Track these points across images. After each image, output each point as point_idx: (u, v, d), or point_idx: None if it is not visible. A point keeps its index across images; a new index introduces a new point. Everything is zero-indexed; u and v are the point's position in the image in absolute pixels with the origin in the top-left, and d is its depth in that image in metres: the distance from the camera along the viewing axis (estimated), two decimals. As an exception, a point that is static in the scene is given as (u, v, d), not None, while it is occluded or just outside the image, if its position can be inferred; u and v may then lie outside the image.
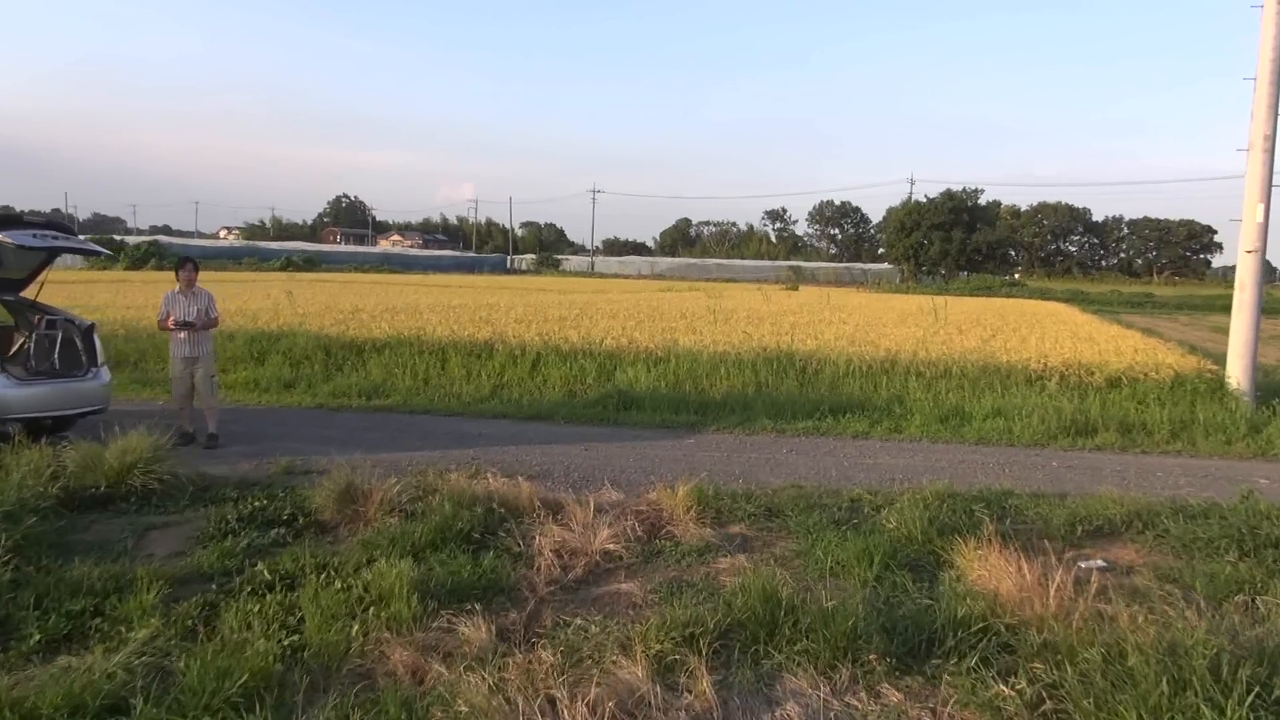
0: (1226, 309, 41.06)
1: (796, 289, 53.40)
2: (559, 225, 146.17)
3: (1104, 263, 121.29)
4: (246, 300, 19.38)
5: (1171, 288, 74.72)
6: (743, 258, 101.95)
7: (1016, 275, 75.26)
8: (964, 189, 72.00)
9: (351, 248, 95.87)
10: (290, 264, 65.89)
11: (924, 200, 71.95)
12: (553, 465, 7.22)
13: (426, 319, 15.16)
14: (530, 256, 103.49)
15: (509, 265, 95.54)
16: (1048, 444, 8.66)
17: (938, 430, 9.00)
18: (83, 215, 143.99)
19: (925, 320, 19.84)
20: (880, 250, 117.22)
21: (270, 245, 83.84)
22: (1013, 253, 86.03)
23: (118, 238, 68.70)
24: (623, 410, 9.72)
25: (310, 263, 69.59)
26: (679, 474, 6.41)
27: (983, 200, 72.80)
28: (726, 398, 10.14)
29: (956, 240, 68.41)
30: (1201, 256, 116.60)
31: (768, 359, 11.18)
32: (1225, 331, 27.39)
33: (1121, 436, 8.84)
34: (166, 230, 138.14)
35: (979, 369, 10.73)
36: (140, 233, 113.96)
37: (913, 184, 78.78)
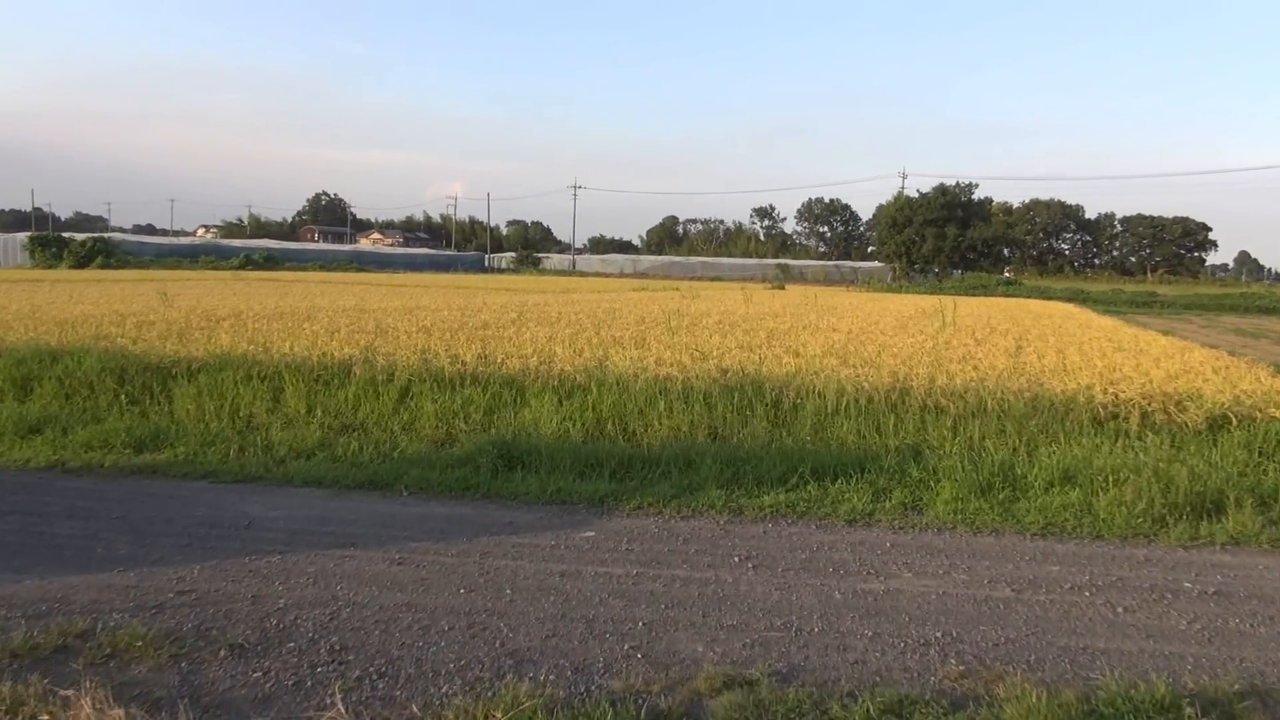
0: (1236, 309, 38.63)
1: (783, 288, 50.31)
2: (545, 224, 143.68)
3: (1096, 261, 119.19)
4: (102, 303, 16.02)
5: (1171, 286, 71.96)
6: (730, 256, 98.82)
7: (1008, 273, 72.40)
8: (957, 183, 69.16)
9: (321, 245, 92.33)
10: (249, 262, 62.45)
11: (916, 195, 69.01)
12: (295, 619, 3.98)
13: (295, 328, 11.89)
14: (510, 255, 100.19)
15: (487, 264, 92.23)
16: (1155, 534, 5.47)
17: (978, 509, 5.80)
18: (64, 214, 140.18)
19: (930, 325, 16.69)
20: (870, 248, 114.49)
21: (233, 243, 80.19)
22: (1005, 250, 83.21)
23: (70, 235, 64.85)
24: (505, 472, 6.50)
25: (272, 260, 66.12)
26: (534, 636, 3.26)
27: (977, 195, 69.92)
28: (664, 449, 6.92)
29: (950, 237, 65.52)
30: (1196, 254, 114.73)
31: (727, 388, 7.95)
32: (1249, 334, 24.40)
33: (1261, 516, 5.68)
34: (150, 229, 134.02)
35: (1026, 402, 7.54)
36: (124, 231, 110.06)
37: (904, 178, 75.51)
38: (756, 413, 7.63)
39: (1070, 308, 32.79)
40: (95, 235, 62.04)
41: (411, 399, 8.10)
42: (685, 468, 6.59)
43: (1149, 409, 7.46)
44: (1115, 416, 7.48)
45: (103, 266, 54.96)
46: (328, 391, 8.29)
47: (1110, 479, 6.06)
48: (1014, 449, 6.97)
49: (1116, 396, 7.72)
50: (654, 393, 7.88)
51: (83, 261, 56.37)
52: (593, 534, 5.34)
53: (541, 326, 13.46)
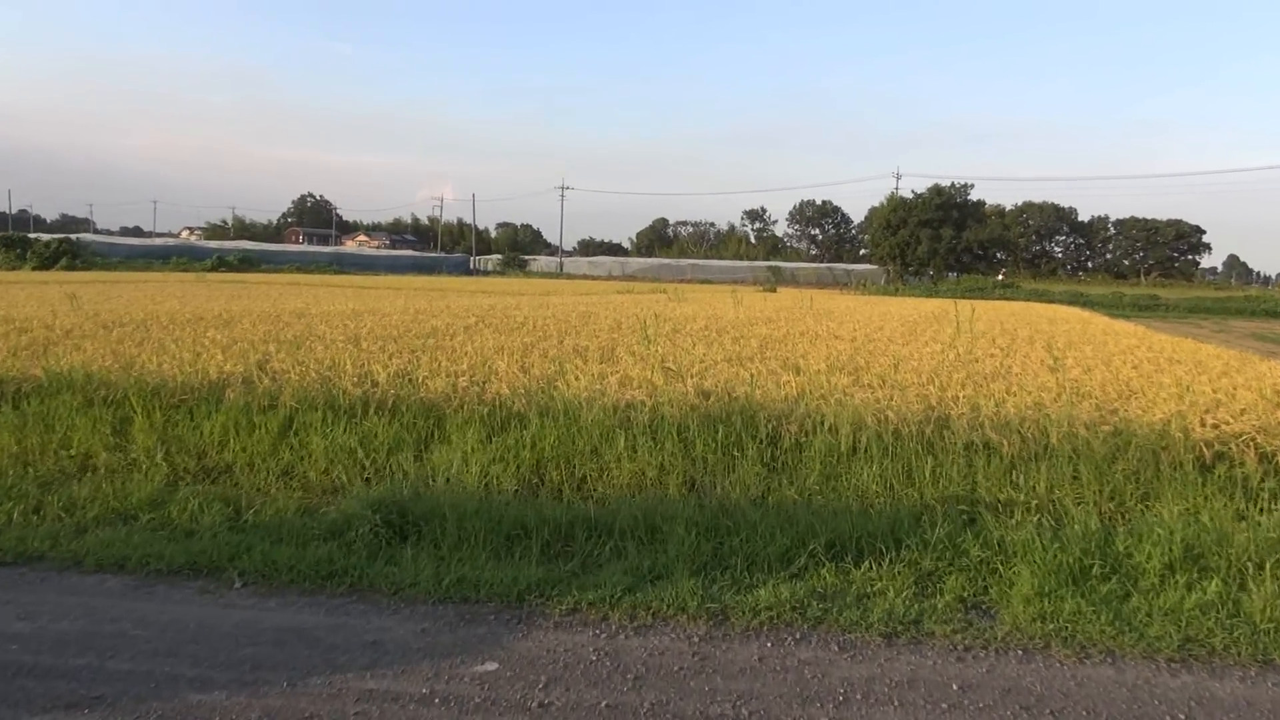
0: (1241, 313, 36.93)
1: (775, 290, 48.52)
2: (535, 226, 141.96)
3: (1089, 263, 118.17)
4: (10, 308, 13.98)
5: (1169, 289, 70.40)
6: (720, 258, 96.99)
7: (1001, 276, 70.76)
8: (953, 184, 67.60)
9: (302, 247, 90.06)
10: (221, 264, 60.11)
11: (911, 196, 67.35)
12: None
13: (195, 335, 9.92)
14: (496, 257, 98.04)
15: (472, 266, 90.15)
16: (1346, 659, 3.62)
17: (1076, 611, 3.92)
18: (50, 216, 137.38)
19: (941, 331, 14.86)
20: (863, 251, 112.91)
21: (208, 245, 78.03)
22: (998, 254, 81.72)
23: (37, 236, 62.45)
24: (392, 546, 4.59)
25: (247, 262, 63.86)
26: None
27: (972, 196, 68.34)
28: (620, 507, 5.01)
29: (946, 238, 63.91)
30: (1190, 257, 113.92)
31: (709, 418, 6.05)
32: (1270, 340, 22.68)
33: None
34: (137, 231, 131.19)
35: (1105, 439, 5.67)
36: (111, 233, 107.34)
37: (899, 178, 73.93)
38: (748, 452, 5.73)
39: (1080, 312, 31.09)
40: (61, 236, 59.63)
41: (296, 433, 6.17)
42: (649, 538, 4.69)
43: (1269, 448, 5.61)
44: (1221, 457, 5.62)
45: (68, 268, 52.64)
46: (189, 422, 6.35)
47: (1243, 556, 4.20)
48: (1099, 506, 5.10)
49: (1219, 429, 5.86)
50: (613, 425, 5.97)
51: (47, 263, 54.03)
52: (495, 667, 3.43)
53: (497, 334, 11.54)
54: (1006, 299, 47.46)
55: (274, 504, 5.19)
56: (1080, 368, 9.35)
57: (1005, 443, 5.74)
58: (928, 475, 5.45)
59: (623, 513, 4.89)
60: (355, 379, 6.98)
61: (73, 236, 60.18)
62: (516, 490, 5.51)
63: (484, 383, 7.01)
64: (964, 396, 6.76)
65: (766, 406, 6.27)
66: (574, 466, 5.73)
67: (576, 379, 7.10)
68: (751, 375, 7.57)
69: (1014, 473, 5.52)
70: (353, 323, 12.85)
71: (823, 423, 5.98)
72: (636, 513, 4.86)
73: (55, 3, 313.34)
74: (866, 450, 5.69)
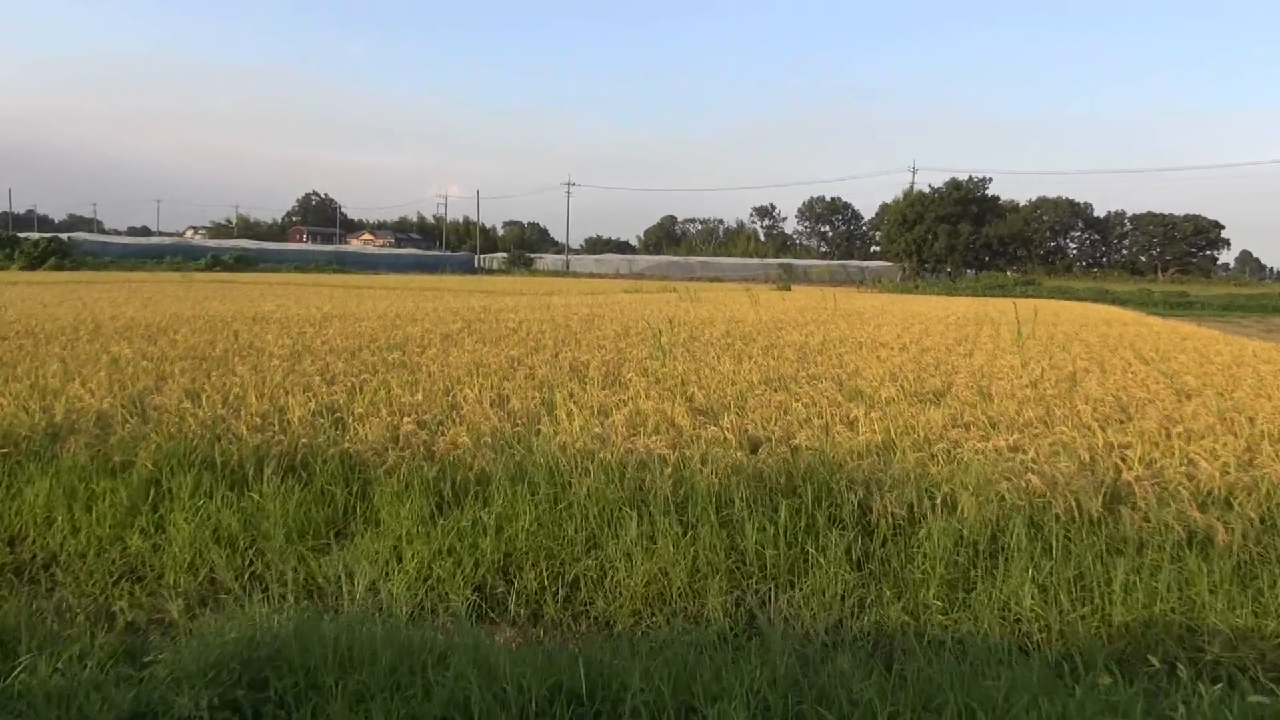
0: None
1: (789, 289, 46.43)
2: (542, 224, 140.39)
3: (1105, 260, 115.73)
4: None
5: (1188, 286, 67.83)
6: (729, 256, 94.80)
7: (1010, 273, 68.36)
8: (970, 177, 65.28)
9: (303, 246, 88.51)
10: (216, 263, 58.36)
11: (928, 190, 65.11)
12: None
13: (94, 351, 7.96)
14: (501, 255, 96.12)
15: (477, 264, 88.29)
16: None
17: None
18: (59, 216, 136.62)
19: (998, 336, 12.82)
20: (874, 248, 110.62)
21: (206, 243, 76.51)
22: (1017, 250, 79.36)
23: (26, 235, 60.83)
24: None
25: (245, 261, 62.11)
26: None
27: (990, 191, 66.02)
28: (631, 653, 3.02)
29: (964, 234, 61.64)
30: (1208, 253, 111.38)
31: (760, 484, 4.06)
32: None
33: None
34: (145, 231, 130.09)
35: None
36: (118, 233, 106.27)
37: (914, 172, 71.62)
38: (828, 545, 3.73)
39: (1121, 311, 28.95)
40: (50, 235, 58.03)
41: (156, 507, 4.20)
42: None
43: None
44: None
45: (55, 268, 51.05)
46: (6, 487, 4.38)
47: None
48: None
49: None
50: (620, 500, 3.98)
51: (36, 262, 52.45)
52: None
53: (480, 345, 9.56)
54: (1028, 296, 45.29)
55: (76, 645, 3.21)
56: (1253, 390, 7.28)
57: (1220, 531, 3.72)
58: (1118, 586, 3.44)
59: (635, 674, 2.89)
60: (259, 418, 5.00)
61: (64, 236, 58.57)
62: (471, 605, 3.54)
63: (439, 425, 5.02)
64: (1118, 445, 4.74)
65: (843, 465, 4.26)
66: (561, 564, 3.74)
67: (569, 417, 5.10)
68: (806, 407, 5.57)
69: (1243, 576, 3.52)
70: (313, 330, 10.91)
71: (935, 495, 3.97)
72: (658, 677, 2.86)
73: (63, 4, 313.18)
74: (1014, 543, 3.67)
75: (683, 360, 8.41)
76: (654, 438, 4.60)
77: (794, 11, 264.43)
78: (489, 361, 7.88)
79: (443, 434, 4.80)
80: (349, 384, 6.24)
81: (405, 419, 4.94)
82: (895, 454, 4.42)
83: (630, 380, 6.85)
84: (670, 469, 4.19)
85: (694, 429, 4.87)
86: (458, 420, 5.10)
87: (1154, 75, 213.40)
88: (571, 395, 6.01)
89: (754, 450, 4.53)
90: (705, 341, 10.68)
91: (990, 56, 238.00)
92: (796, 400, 5.92)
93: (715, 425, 4.91)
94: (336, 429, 4.93)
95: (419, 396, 5.76)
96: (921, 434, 4.85)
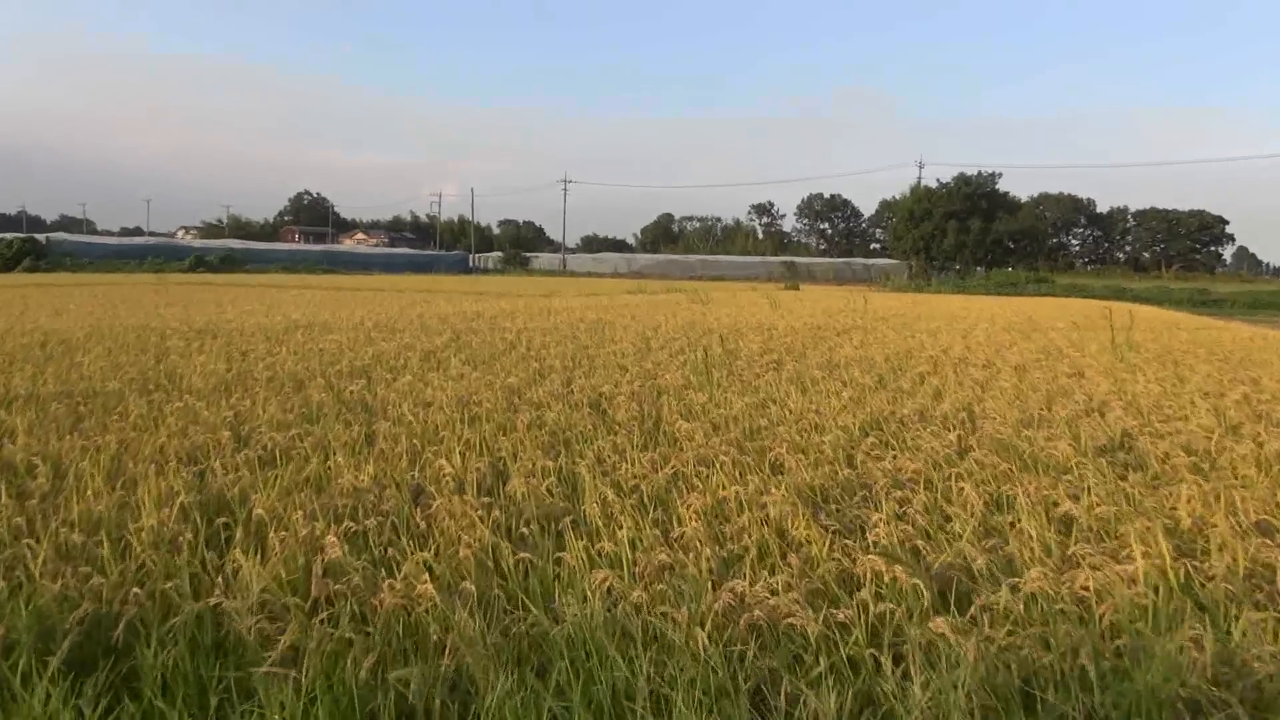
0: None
1: (798, 288, 44.45)
2: (537, 223, 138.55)
3: (1107, 256, 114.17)
4: None
5: (1197, 282, 66.05)
6: (729, 254, 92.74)
7: (1020, 271, 66.40)
8: (979, 172, 63.29)
9: (292, 245, 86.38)
10: (201, 264, 56.10)
11: (936, 185, 63.13)
12: None
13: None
14: (497, 254, 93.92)
15: (471, 264, 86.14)
16: None
17: None
18: (50, 217, 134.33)
19: (1083, 344, 10.80)
20: (874, 245, 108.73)
21: (192, 243, 74.33)
22: (1028, 246, 77.47)
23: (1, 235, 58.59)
24: None
25: (230, 262, 59.84)
26: None
27: (1000, 185, 64.04)
28: None
29: (975, 230, 59.68)
30: (1212, 249, 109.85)
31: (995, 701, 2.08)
32: None
33: None
34: (137, 231, 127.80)
35: None
36: (110, 234, 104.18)
37: (922, 167, 69.65)
38: None
39: (1161, 311, 26.99)
40: (24, 235, 55.76)
41: None
42: None
43: None
44: None
45: (30, 270, 48.82)
46: None
47: None
48: None
49: None
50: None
51: (9, 264, 50.17)
52: None
53: (468, 370, 7.52)
54: (1043, 295, 43.37)
55: None
56: None
57: None
58: None
59: None
60: (83, 534, 2.96)
61: (40, 236, 56.27)
62: None
63: (389, 543, 2.99)
64: None
65: (1152, 652, 2.25)
66: None
67: (609, 521, 3.07)
68: (1016, 520, 3.55)
69: None
70: (266, 346, 8.87)
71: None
72: None
73: (58, 3, 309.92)
74: None
75: (733, 388, 6.41)
76: (774, 577, 2.57)
77: (794, 11, 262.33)
78: (480, 396, 5.86)
79: (395, 565, 2.77)
80: (267, 447, 4.19)
81: (333, 531, 2.91)
82: (1210, 630, 2.41)
83: (677, 427, 4.83)
84: (828, 661, 2.17)
85: (822, 544, 2.85)
86: (422, 528, 3.08)
87: (1155, 74, 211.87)
88: (600, 461, 4.00)
89: (944, 598, 2.51)
90: (746, 358, 8.68)
91: (990, 56, 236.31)
92: (939, 473, 3.90)
93: (851, 537, 2.88)
94: (209, 558, 2.89)
95: (368, 473, 3.72)
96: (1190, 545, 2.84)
